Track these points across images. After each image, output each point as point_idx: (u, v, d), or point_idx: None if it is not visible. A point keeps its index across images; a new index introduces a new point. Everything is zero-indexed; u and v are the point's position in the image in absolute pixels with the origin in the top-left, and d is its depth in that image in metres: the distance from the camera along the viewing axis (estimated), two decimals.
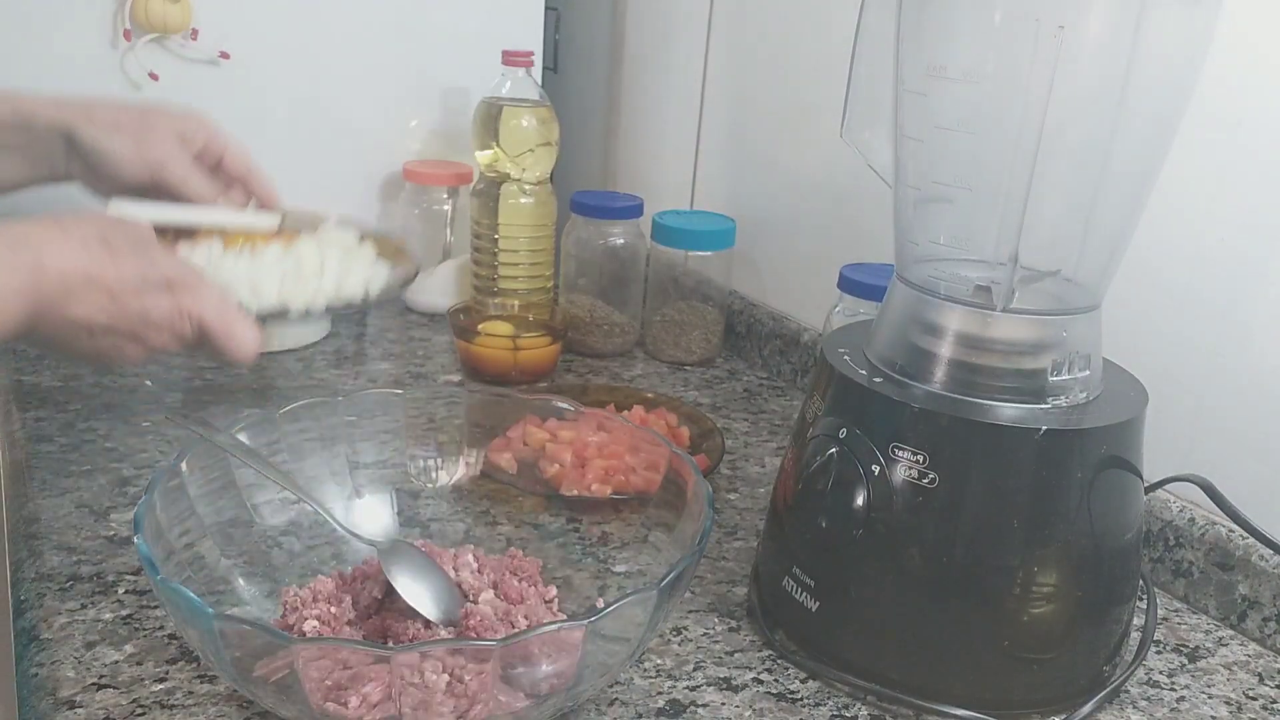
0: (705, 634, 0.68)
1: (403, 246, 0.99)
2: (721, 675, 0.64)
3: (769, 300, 1.18)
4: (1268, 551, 0.70)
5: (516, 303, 1.11)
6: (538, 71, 1.15)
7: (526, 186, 1.08)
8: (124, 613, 0.65)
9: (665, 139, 1.34)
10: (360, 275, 0.90)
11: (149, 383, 0.98)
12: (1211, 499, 0.68)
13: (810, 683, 0.64)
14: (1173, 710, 0.64)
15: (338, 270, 0.88)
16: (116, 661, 0.61)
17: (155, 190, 0.86)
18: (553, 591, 0.66)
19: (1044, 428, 0.59)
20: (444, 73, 1.24)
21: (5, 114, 0.82)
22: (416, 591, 0.61)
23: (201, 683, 0.60)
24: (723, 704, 0.61)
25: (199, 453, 0.64)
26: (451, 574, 0.64)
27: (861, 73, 0.68)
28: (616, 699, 0.61)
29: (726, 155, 1.24)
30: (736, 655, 0.66)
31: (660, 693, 0.62)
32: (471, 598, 0.62)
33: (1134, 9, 0.56)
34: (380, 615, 0.62)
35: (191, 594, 0.50)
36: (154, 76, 1.09)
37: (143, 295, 0.68)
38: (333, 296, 0.86)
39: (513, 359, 1.04)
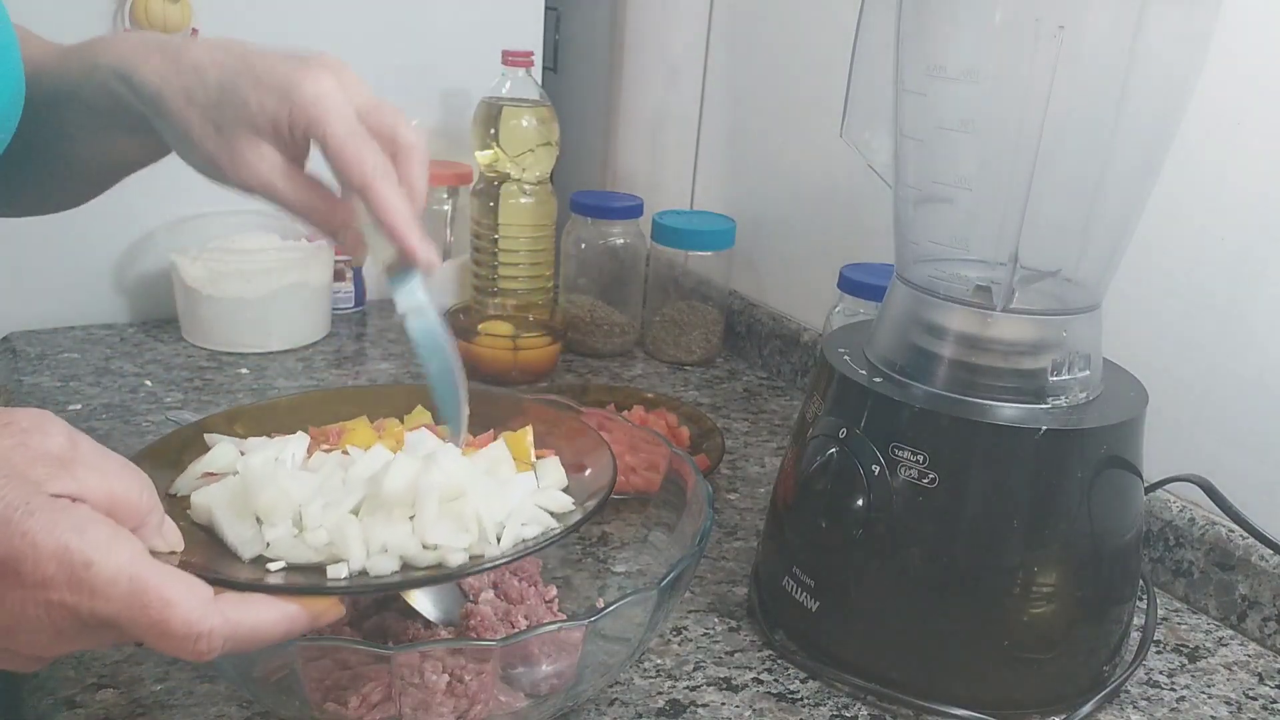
0: (705, 634, 0.68)
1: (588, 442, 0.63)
2: (721, 675, 0.64)
3: (769, 300, 1.18)
4: (1268, 551, 0.70)
5: (516, 303, 1.11)
6: (538, 71, 1.15)
7: (526, 186, 1.08)
8: None
9: (665, 139, 1.34)
10: (535, 509, 0.56)
11: (148, 382, 0.98)
12: (1211, 499, 0.68)
13: (810, 683, 0.64)
14: (1173, 710, 0.64)
15: (502, 505, 0.54)
16: (116, 661, 0.61)
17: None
18: (553, 591, 0.66)
19: (1044, 428, 0.59)
20: (444, 73, 1.24)
21: (114, 84, 0.58)
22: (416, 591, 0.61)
23: (201, 683, 0.60)
24: (723, 704, 0.61)
25: None
26: None
27: (861, 72, 0.68)
28: (616, 699, 0.61)
29: (726, 155, 1.24)
30: (736, 655, 0.66)
31: (660, 693, 0.62)
32: (471, 598, 0.62)
33: (1134, 9, 0.56)
34: (380, 615, 0.62)
35: None
36: None
37: None
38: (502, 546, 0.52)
39: (513, 359, 1.04)
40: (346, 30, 1.17)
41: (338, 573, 0.49)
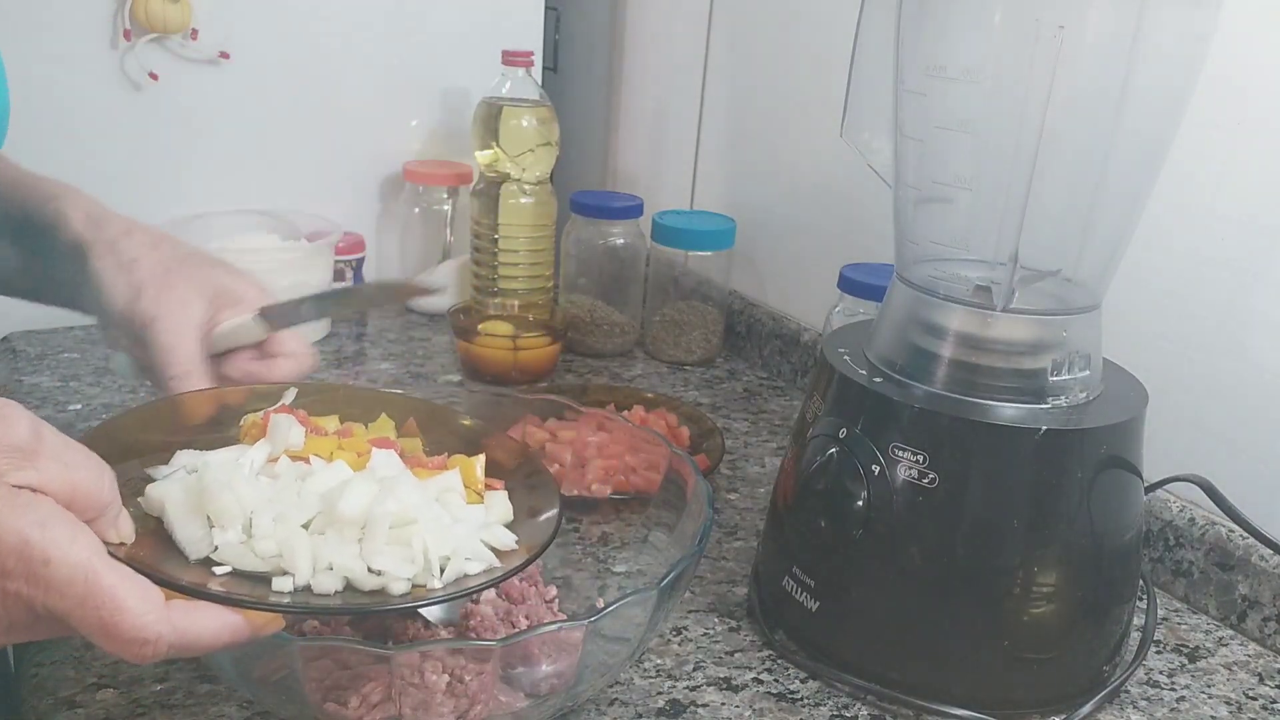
0: (705, 634, 0.68)
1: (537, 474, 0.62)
2: (721, 675, 0.64)
3: (769, 300, 1.18)
4: (1268, 551, 0.70)
5: (516, 303, 1.11)
6: (538, 71, 1.15)
7: (526, 186, 1.08)
8: None
9: (665, 139, 1.34)
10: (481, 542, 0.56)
11: (149, 383, 0.98)
12: (1211, 499, 0.68)
13: (810, 683, 0.64)
14: (1173, 710, 0.64)
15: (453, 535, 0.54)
16: (116, 662, 0.61)
17: None
18: (553, 591, 0.66)
19: (1044, 428, 0.59)
20: (444, 73, 1.24)
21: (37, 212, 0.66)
22: None
23: (201, 683, 0.60)
24: (723, 704, 0.61)
25: None
26: None
27: (861, 72, 0.68)
28: (616, 699, 0.61)
29: (726, 155, 1.24)
30: (736, 655, 0.66)
31: (660, 693, 0.62)
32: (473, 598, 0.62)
33: (1134, 9, 0.56)
34: (380, 614, 0.62)
35: None
36: (154, 77, 1.09)
37: None
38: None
39: (513, 359, 1.04)
40: (347, 30, 1.17)
41: (283, 586, 0.49)
